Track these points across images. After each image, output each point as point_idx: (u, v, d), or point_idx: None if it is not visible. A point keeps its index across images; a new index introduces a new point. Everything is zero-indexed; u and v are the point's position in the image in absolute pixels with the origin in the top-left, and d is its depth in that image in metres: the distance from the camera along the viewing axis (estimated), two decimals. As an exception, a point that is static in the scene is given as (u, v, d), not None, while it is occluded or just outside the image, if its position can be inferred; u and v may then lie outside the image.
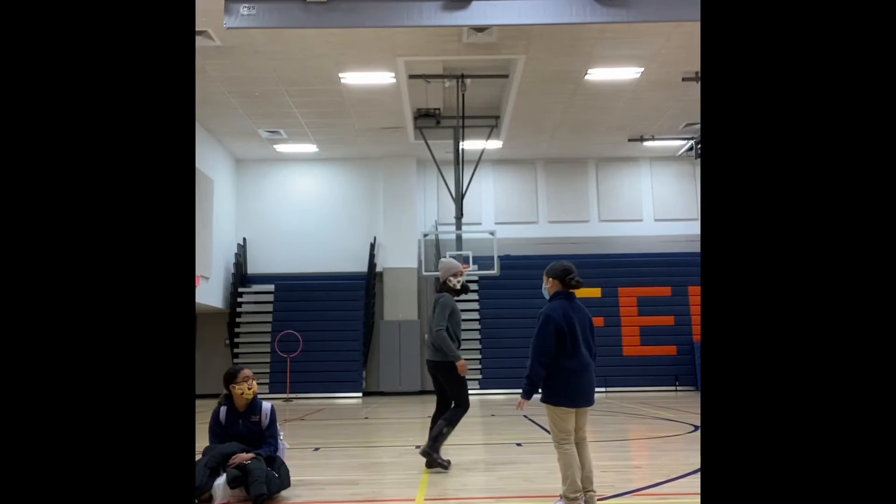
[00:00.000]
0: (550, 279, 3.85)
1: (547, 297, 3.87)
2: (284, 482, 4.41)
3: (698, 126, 15.92)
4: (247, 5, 9.29)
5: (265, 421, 4.59)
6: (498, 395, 16.28)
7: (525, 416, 9.70)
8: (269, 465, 4.39)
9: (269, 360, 17.07)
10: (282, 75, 13.14)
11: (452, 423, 5.35)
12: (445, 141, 16.05)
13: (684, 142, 17.41)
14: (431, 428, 5.40)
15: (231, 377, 4.56)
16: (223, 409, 4.56)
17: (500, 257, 15.46)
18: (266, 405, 4.66)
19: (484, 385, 17.11)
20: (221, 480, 4.15)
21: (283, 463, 4.54)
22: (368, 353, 17.83)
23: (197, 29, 10.93)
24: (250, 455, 4.32)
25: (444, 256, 9.49)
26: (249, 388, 4.54)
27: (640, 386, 16.67)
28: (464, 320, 6.60)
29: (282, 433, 4.75)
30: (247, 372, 4.60)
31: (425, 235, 17.09)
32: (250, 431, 4.54)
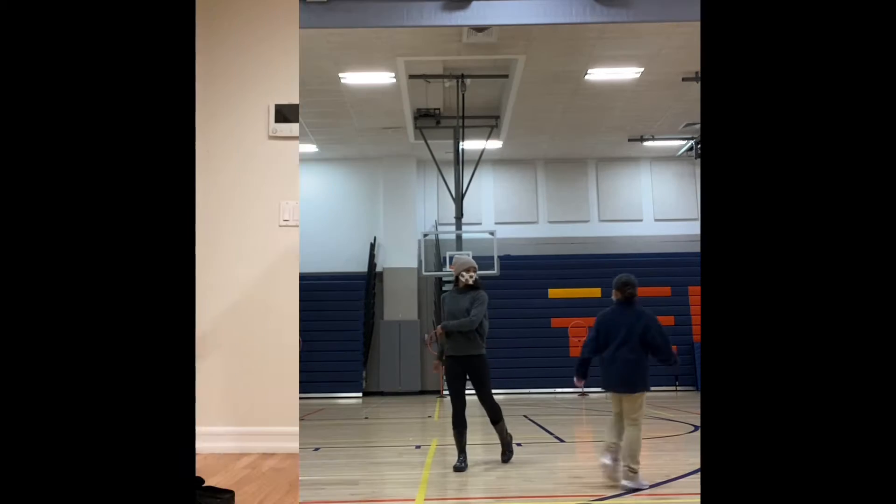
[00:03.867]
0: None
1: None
2: None
3: (698, 126, 15.91)
4: (247, 5, 9.28)
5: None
6: (498, 395, 16.25)
7: (525, 416, 9.70)
8: None
9: (269, 360, 17.04)
10: (282, 75, 13.13)
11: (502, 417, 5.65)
12: (445, 141, 16.03)
13: (684, 142, 17.41)
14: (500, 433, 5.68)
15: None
16: None
17: (500, 257, 15.45)
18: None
19: (484, 385, 17.09)
20: None
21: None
22: (368, 353, 17.82)
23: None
24: None
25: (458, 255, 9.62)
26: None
27: (640, 386, 16.63)
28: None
29: None
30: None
31: (425, 235, 17.07)
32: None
